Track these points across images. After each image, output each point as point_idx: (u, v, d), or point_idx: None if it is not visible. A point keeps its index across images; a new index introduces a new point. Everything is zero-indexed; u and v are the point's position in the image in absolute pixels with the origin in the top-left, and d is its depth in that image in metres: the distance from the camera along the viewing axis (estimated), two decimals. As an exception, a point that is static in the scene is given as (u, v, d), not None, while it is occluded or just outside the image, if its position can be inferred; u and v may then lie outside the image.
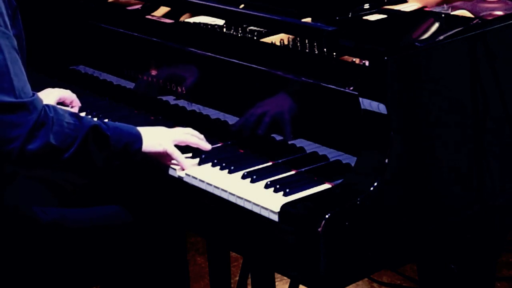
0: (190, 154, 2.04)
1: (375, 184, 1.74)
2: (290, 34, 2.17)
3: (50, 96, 2.22)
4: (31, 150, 1.82)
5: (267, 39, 2.18)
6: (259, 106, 2.06)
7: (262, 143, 2.06)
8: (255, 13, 2.12)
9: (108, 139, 1.93)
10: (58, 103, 2.24)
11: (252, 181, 1.90)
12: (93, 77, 2.59)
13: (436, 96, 1.87)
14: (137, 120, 2.20)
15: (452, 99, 1.90)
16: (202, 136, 2.09)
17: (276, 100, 2.03)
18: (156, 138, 2.02)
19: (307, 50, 2.10)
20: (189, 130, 2.10)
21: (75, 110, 2.28)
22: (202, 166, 2.02)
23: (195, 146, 2.07)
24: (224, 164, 1.99)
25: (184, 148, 2.05)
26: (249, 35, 2.23)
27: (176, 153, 2.02)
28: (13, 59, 1.83)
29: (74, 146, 1.87)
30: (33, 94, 1.86)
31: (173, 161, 2.03)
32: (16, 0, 1.94)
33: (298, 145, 1.99)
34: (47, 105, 1.87)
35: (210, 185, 1.92)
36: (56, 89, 2.28)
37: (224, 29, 2.29)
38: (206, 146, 2.07)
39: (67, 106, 2.29)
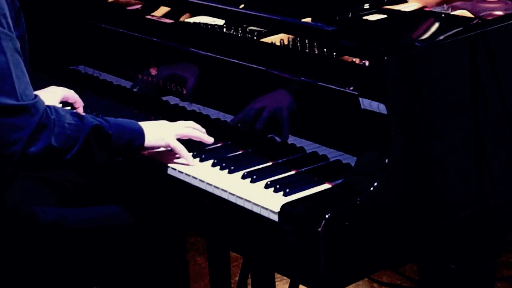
0: (190, 154, 2.04)
1: (375, 184, 1.74)
2: (290, 34, 2.17)
3: (54, 94, 2.22)
4: (33, 152, 1.81)
5: (267, 39, 2.18)
6: (258, 101, 2.06)
7: (262, 143, 2.06)
8: (255, 13, 2.12)
9: (110, 137, 1.92)
10: (62, 102, 2.24)
11: (252, 181, 1.90)
12: (93, 77, 2.59)
13: (436, 96, 1.87)
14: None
15: (452, 99, 1.90)
16: (204, 130, 2.09)
17: (275, 97, 2.03)
18: (158, 133, 2.02)
19: (307, 50, 2.10)
20: (191, 123, 2.10)
21: (79, 111, 2.28)
22: (202, 166, 2.02)
23: (197, 139, 2.07)
24: (224, 164, 1.99)
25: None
26: (249, 35, 2.23)
27: (179, 147, 2.02)
28: (15, 62, 1.83)
29: (76, 147, 1.87)
30: (35, 97, 1.85)
31: (176, 157, 2.03)
32: (18, 0, 1.94)
33: (298, 145, 1.99)
34: (48, 107, 1.86)
35: (210, 185, 1.92)
36: (60, 88, 2.27)
37: (224, 29, 2.30)
38: (209, 139, 2.08)
39: (70, 104, 2.30)
